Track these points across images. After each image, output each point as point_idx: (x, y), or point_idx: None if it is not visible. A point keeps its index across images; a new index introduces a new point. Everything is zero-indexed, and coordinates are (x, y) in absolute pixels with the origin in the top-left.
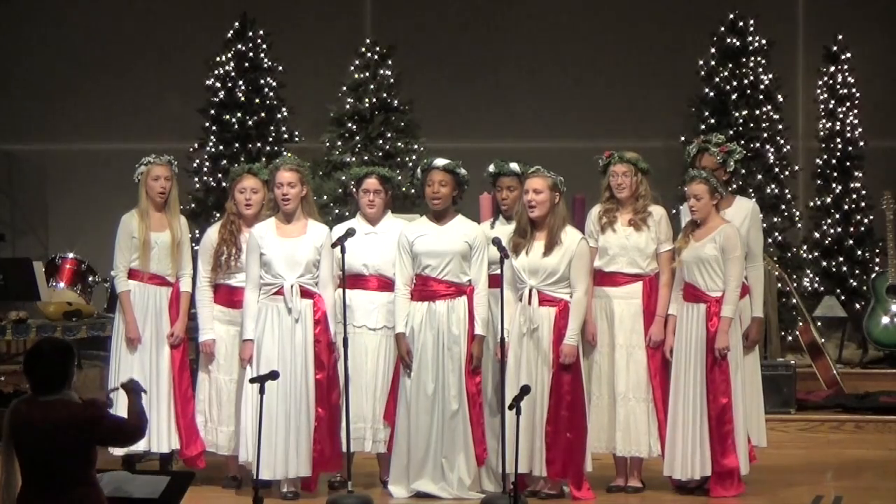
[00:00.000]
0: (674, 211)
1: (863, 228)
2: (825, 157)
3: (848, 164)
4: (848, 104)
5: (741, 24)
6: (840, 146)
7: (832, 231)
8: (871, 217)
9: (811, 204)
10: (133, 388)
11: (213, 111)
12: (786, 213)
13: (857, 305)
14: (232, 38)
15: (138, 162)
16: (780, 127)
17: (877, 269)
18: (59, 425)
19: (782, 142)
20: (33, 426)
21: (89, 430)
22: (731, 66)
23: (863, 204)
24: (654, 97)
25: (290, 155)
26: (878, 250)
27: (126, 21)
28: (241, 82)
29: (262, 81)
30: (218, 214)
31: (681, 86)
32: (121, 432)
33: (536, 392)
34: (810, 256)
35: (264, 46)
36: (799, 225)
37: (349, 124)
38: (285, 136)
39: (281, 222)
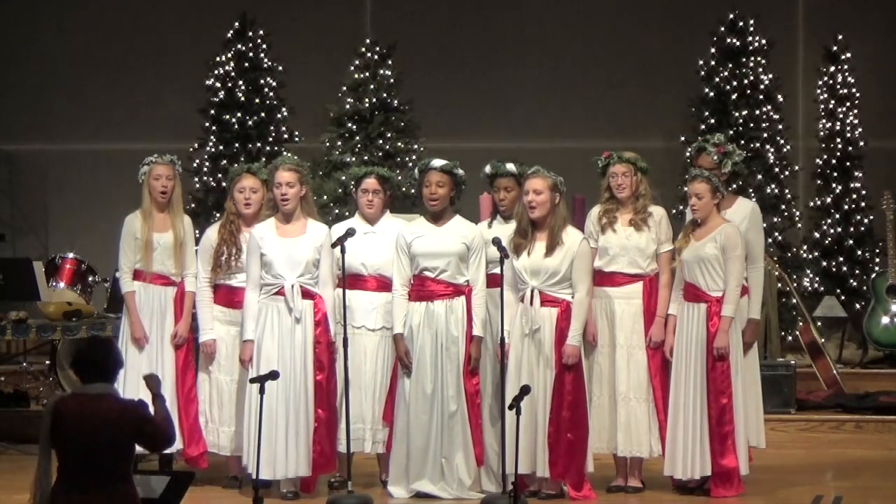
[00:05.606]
0: (674, 211)
1: (863, 228)
2: (825, 157)
3: (848, 164)
4: (848, 104)
5: (741, 24)
6: (840, 146)
7: (832, 231)
8: (871, 217)
9: (811, 204)
10: (156, 390)
11: (213, 111)
12: (786, 213)
13: (857, 305)
14: (232, 38)
15: (139, 162)
16: (780, 127)
17: (877, 269)
18: (110, 418)
19: (782, 142)
20: (83, 420)
21: (136, 426)
22: (731, 66)
23: (863, 204)
24: (654, 97)
25: (289, 155)
26: (878, 250)
27: (126, 21)
28: (241, 82)
29: (262, 81)
30: (218, 214)
31: (681, 86)
32: (157, 436)
33: (538, 393)
34: (810, 256)
35: (264, 46)
36: (799, 225)
37: (349, 124)
38: (285, 136)
39: (280, 222)
